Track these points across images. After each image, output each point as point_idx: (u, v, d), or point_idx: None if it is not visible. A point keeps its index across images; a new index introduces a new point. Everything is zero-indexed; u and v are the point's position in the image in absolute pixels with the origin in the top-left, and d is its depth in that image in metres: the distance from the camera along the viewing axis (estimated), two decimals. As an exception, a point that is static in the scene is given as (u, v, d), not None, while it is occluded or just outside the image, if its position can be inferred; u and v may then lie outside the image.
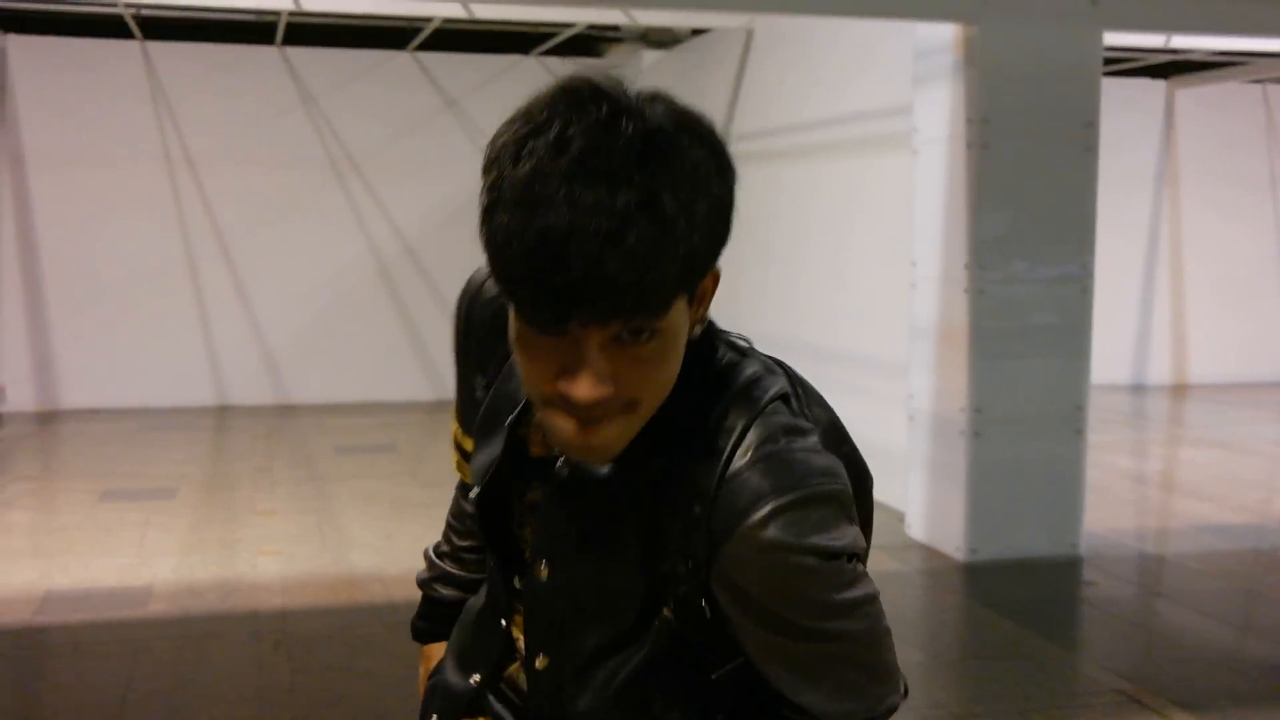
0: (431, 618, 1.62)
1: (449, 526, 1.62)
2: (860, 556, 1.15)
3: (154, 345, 9.53)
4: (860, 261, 6.80)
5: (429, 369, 10.05)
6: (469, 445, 1.38)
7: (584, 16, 8.18)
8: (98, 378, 9.45)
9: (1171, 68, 10.57)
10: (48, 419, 9.11)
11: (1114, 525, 6.13)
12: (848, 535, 1.12)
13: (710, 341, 1.19)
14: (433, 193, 10.01)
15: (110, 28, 9.03)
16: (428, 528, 5.98)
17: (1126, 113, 10.31)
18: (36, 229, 9.35)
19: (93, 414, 9.25)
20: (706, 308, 1.14)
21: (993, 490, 5.45)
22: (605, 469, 1.17)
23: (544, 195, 0.96)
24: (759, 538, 1.07)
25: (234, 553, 5.59)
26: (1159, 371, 11.09)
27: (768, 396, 1.15)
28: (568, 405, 1.05)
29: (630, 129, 0.99)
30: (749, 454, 1.11)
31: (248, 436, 8.52)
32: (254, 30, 9.27)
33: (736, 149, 7.92)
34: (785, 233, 7.71)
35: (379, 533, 5.92)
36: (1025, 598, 5.03)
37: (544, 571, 1.24)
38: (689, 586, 1.15)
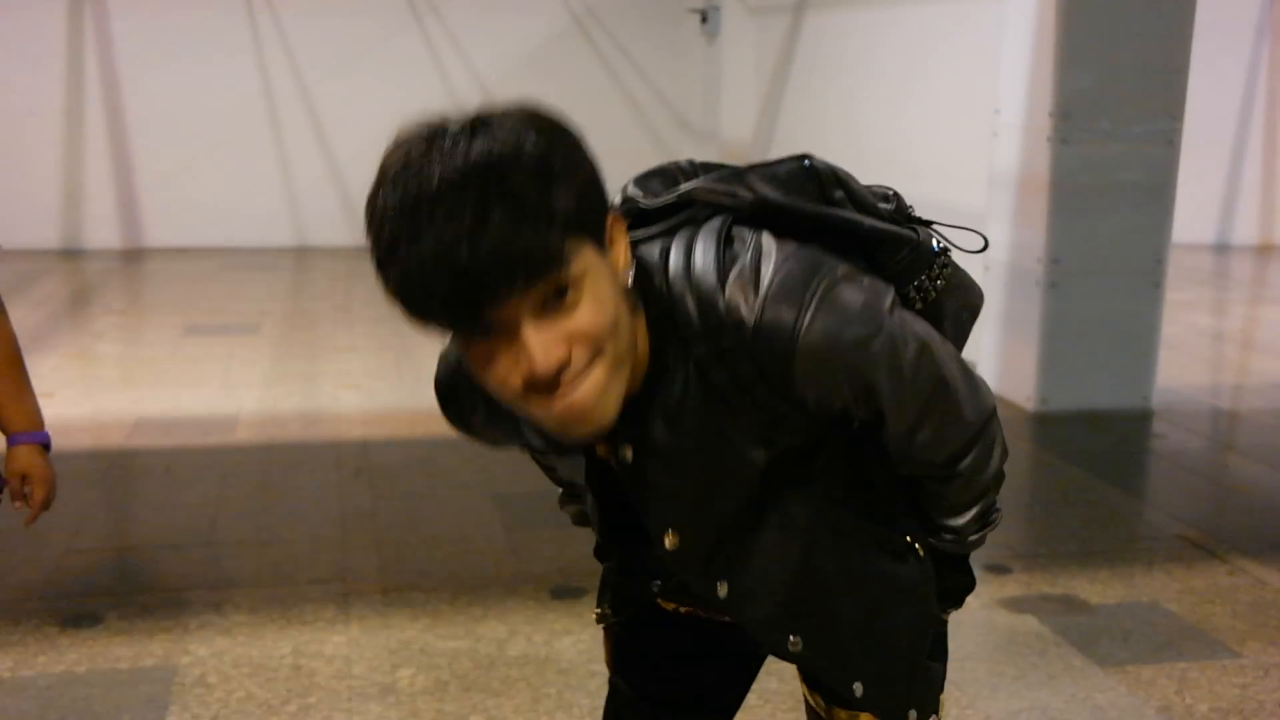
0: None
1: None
2: (892, 297, 1.25)
3: (235, 185, 9.65)
4: (938, 108, 6.68)
5: (504, 214, 10.09)
6: None
7: None
8: (180, 217, 9.61)
9: (1280, -88, 10.09)
10: (132, 256, 9.31)
11: (1188, 380, 6.09)
12: (864, 292, 1.21)
13: (648, 275, 1.25)
14: (510, 34, 9.93)
15: None
16: (503, 367, 6.10)
17: (1229, -41, 9.88)
18: (118, 69, 9.43)
19: (176, 252, 9.44)
20: (624, 250, 1.19)
21: (1066, 341, 5.43)
22: (658, 436, 1.26)
23: (409, 237, 1.06)
24: (816, 349, 1.18)
25: (315, 386, 5.76)
26: (1245, 231, 10.82)
27: (701, 251, 1.23)
28: (539, 386, 1.11)
29: (458, 150, 1.07)
30: (756, 305, 1.19)
31: (327, 276, 8.67)
32: None
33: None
34: (864, 78, 7.57)
35: (455, 370, 6.05)
36: (1094, 448, 5.05)
37: (672, 540, 1.33)
38: (790, 416, 1.27)
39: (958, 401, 1.31)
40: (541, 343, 1.09)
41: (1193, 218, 9.39)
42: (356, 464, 4.67)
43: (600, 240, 1.14)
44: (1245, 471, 4.87)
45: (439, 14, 9.81)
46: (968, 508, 1.43)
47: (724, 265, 1.20)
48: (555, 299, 1.09)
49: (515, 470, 4.58)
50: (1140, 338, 5.50)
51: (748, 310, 1.17)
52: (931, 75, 6.75)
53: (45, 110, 9.35)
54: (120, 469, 4.70)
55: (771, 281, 1.18)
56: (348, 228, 9.85)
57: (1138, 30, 5.31)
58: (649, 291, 1.23)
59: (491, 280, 1.04)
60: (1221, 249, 10.56)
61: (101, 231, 9.52)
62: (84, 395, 5.51)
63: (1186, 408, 5.63)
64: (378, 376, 5.93)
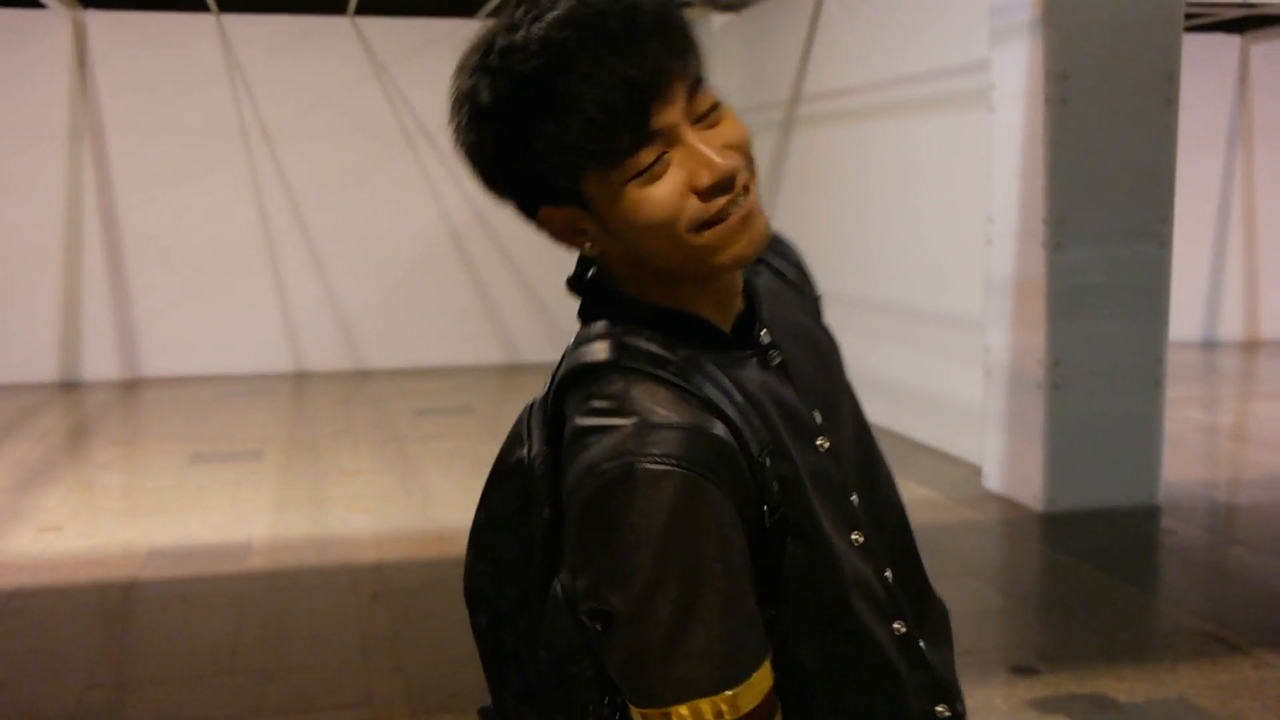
0: None
1: None
2: None
3: (232, 314, 9.74)
4: (934, 218, 6.82)
5: (500, 333, 10.19)
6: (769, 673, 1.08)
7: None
8: (178, 346, 9.68)
9: (1247, 22, 10.43)
10: (131, 387, 9.35)
11: (1190, 476, 6.14)
12: None
13: None
14: (501, 159, 10.10)
15: (186, 2, 9.20)
16: (511, 485, 6.11)
17: (1201, 68, 10.19)
18: (117, 202, 9.58)
19: (174, 381, 9.48)
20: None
21: (1071, 441, 5.49)
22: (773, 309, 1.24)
23: (560, 34, 1.03)
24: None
25: (325, 510, 5.76)
26: (1230, 327, 11.00)
27: None
28: (718, 194, 1.06)
29: None
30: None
31: (327, 400, 8.71)
32: (325, 1, 9.40)
33: (808, 110, 7.97)
34: (855, 190, 7.74)
35: (464, 489, 6.06)
36: (1105, 546, 5.08)
37: (824, 441, 1.20)
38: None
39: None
40: (711, 147, 1.07)
41: (1179, 315, 9.53)
42: (373, 587, 4.66)
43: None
44: (1257, 564, 4.90)
45: (431, 139, 10.01)
46: None
47: None
48: (706, 113, 1.08)
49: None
50: (1143, 436, 5.57)
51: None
52: (924, 185, 6.91)
53: (44, 244, 9.47)
54: (135, 600, 4.68)
55: None
56: (344, 352, 9.94)
57: (1125, 136, 5.47)
58: None
59: (648, 80, 1.03)
60: (1209, 345, 10.71)
61: (100, 363, 9.57)
62: (93, 527, 5.50)
63: (1192, 503, 5.67)
64: (386, 498, 5.94)
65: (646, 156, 1.05)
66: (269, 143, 9.80)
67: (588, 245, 1.12)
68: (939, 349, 6.74)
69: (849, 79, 7.85)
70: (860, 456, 1.24)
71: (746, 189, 1.09)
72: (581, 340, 1.15)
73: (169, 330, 9.66)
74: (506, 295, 10.18)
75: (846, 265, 7.83)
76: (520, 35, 1.05)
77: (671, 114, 1.05)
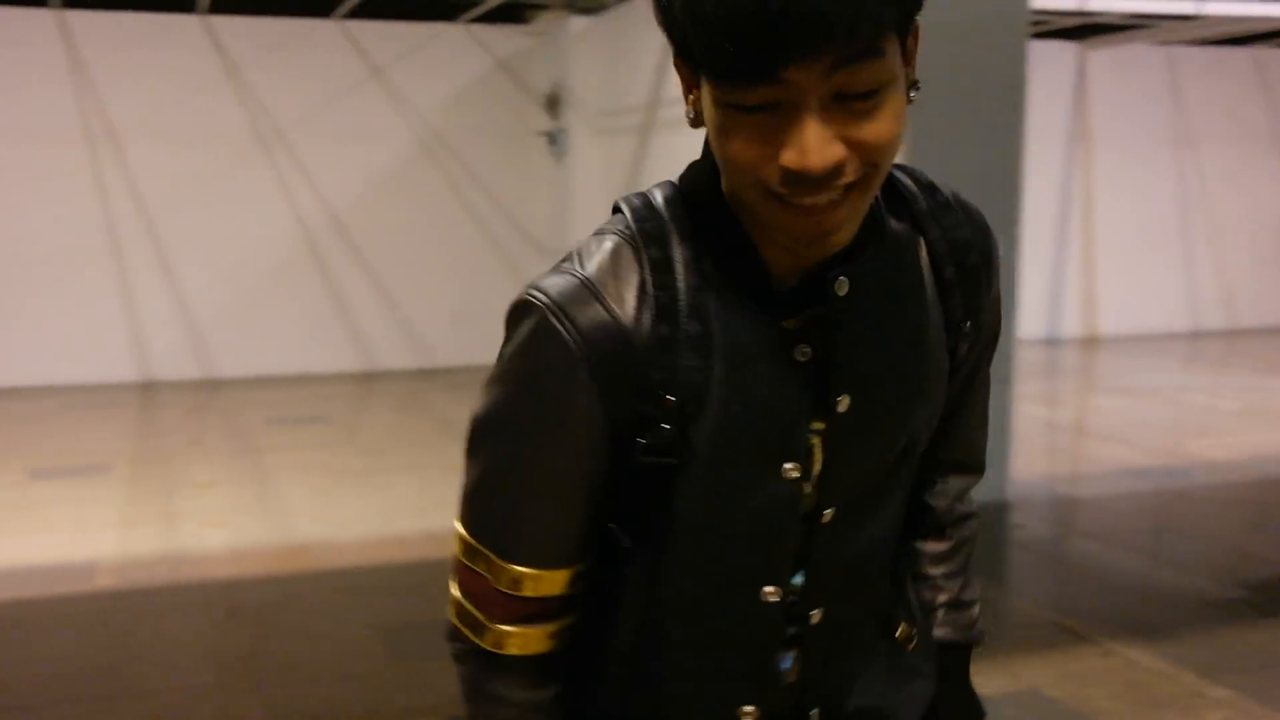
0: None
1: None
2: None
3: (76, 322, 9.38)
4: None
5: (357, 340, 10.01)
6: (565, 580, 1.13)
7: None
8: (18, 355, 9.28)
9: (1084, 30, 10.83)
10: (-33, 399, 8.94)
11: (1036, 471, 6.34)
12: None
13: None
14: (359, 162, 9.96)
15: (20, -2, 8.84)
16: (371, 495, 6.03)
17: (1041, 73, 10.53)
18: (-50, 205, 9.15)
19: (11, 392, 9.09)
20: (914, 69, 1.02)
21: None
22: (872, 264, 1.09)
23: None
24: (996, 246, 1.22)
25: (177, 525, 5.58)
26: (1071, 325, 11.41)
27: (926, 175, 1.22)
28: (793, 184, 0.95)
29: None
30: (954, 192, 1.21)
31: (177, 411, 8.45)
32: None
33: (665, 114, 7.98)
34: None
35: (322, 502, 5.94)
36: (959, 543, 5.20)
37: (844, 404, 1.09)
38: (969, 343, 1.21)
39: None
40: (821, 137, 0.92)
41: (1022, 315, 9.86)
42: (228, 605, 4.53)
43: (905, 47, 0.99)
44: (1101, 555, 5.08)
45: (286, 143, 9.80)
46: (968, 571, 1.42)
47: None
48: (854, 97, 0.92)
49: (396, 600, 4.52)
50: (993, 433, 5.70)
51: (969, 205, 1.22)
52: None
53: None
54: (-28, 625, 4.47)
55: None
56: (194, 360, 9.66)
57: (973, 141, 5.62)
58: None
59: (812, 31, 0.87)
60: (1052, 342, 11.09)
61: (-68, 375, 9.13)
62: (-74, 549, 5.24)
63: (1040, 497, 5.86)
64: (242, 512, 5.78)
65: (753, 97, 0.92)
66: (116, 144, 9.45)
67: (689, 109, 1.03)
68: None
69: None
70: (867, 489, 1.15)
71: (847, 190, 0.97)
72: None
73: (6, 339, 9.26)
74: (363, 302, 10.00)
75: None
76: None
77: (804, 75, 0.90)
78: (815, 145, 0.92)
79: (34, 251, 9.26)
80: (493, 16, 9.82)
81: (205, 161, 9.60)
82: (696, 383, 1.03)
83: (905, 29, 0.97)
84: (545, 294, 1.04)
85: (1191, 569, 4.85)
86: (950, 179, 1.22)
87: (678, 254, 1.06)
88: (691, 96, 1.02)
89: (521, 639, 1.13)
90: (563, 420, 1.05)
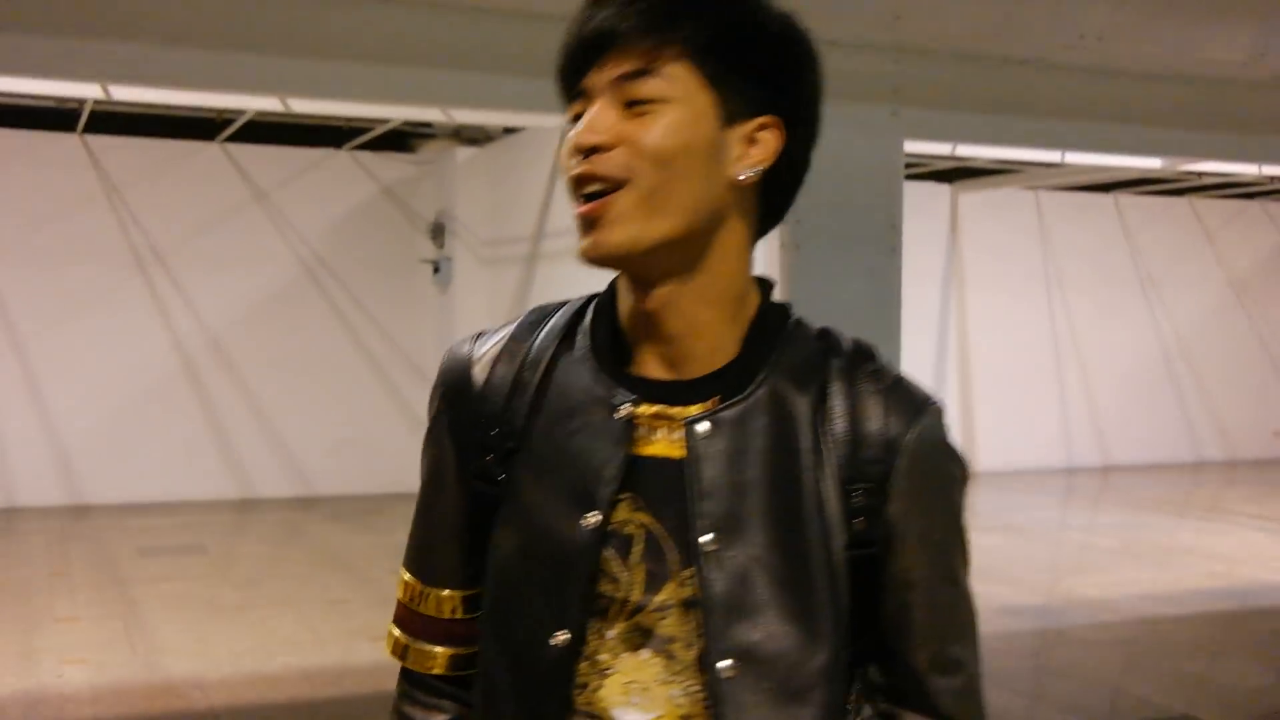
0: None
1: None
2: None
3: (-66, 445, 9.00)
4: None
5: (234, 466, 9.76)
6: (445, 602, 1.22)
7: (401, 113, 8.25)
8: None
9: (956, 173, 11.27)
10: None
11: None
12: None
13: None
14: (240, 286, 9.83)
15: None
16: (245, 630, 5.83)
17: (915, 215, 10.87)
18: None
19: None
20: (760, 158, 1.12)
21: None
22: (746, 407, 1.11)
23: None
24: (931, 436, 1.13)
25: (35, 663, 5.32)
26: (949, 459, 11.64)
27: (871, 347, 1.20)
28: (574, 156, 1.09)
29: None
30: (895, 374, 1.16)
31: (40, 539, 8.11)
32: (54, 116, 8.99)
33: (550, 246, 8.06)
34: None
35: (193, 637, 5.72)
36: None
37: (715, 544, 1.10)
38: (866, 517, 1.11)
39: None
40: (596, 119, 1.08)
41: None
42: (89, 749, 4.31)
43: (730, 106, 1.10)
44: (997, 702, 5.10)
45: (165, 264, 9.64)
46: None
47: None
48: (636, 102, 1.08)
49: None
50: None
51: (890, 369, 1.17)
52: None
53: None
54: None
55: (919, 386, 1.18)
56: (61, 486, 9.32)
57: (853, 280, 5.75)
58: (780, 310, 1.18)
59: (593, 39, 1.09)
60: (931, 476, 11.27)
61: None
62: None
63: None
64: (107, 648, 5.53)
65: (575, 108, 1.12)
66: (-17, 262, 9.20)
67: None
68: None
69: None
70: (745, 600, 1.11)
71: (602, 181, 1.08)
72: None
73: None
74: (241, 427, 9.78)
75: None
76: None
77: (597, 78, 1.10)
78: (587, 122, 1.09)
79: (-106, 371, 8.91)
80: (379, 144, 9.88)
81: (79, 280, 9.40)
82: (520, 424, 1.16)
83: (708, 68, 1.09)
84: (448, 351, 1.26)
85: (1071, 709, 4.91)
86: (829, 318, 1.22)
87: (557, 321, 1.20)
88: None
89: (418, 654, 1.23)
90: (433, 439, 1.22)
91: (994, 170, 10.91)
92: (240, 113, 8.54)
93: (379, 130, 9.24)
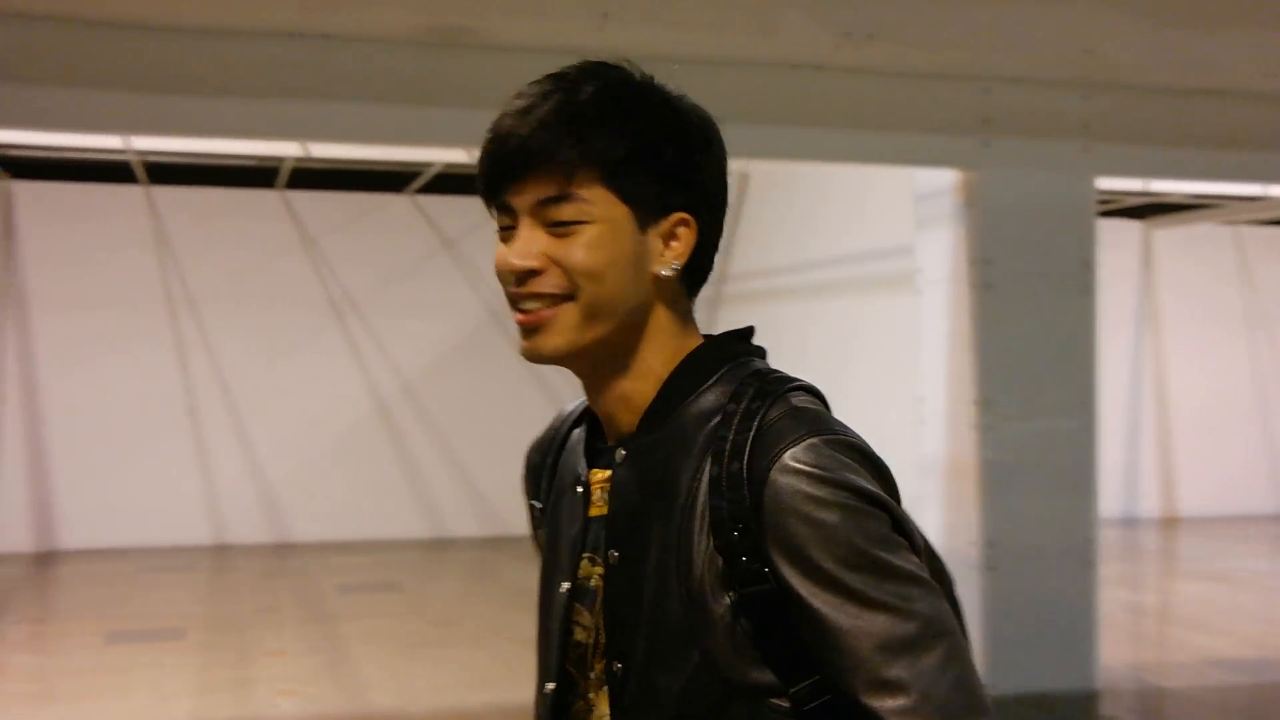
0: None
1: None
2: (904, 527, 1.16)
3: (152, 485, 9.53)
4: (860, 399, 6.95)
5: (427, 507, 10.07)
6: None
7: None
8: (95, 518, 9.42)
9: (1149, 209, 10.94)
10: (45, 560, 9.05)
11: (1124, 658, 6.18)
12: (879, 490, 1.15)
13: (735, 345, 1.30)
14: (430, 331, 10.17)
15: (115, 173, 9.23)
16: (441, 666, 5.99)
17: (1106, 253, 10.58)
18: (39, 370, 9.42)
19: (90, 554, 9.19)
20: (678, 253, 1.23)
21: (1007, 624, 5.50)
22: (645, 446, 1.23)
23: (501, 117, 1.22)
24: (791, 468, 1.12)
25: (251, 693, 5.57)
26: (1148, 504, 11.23)
27: (794, 383, 1.24)
28: (505, 282, 1.22)
29: (590, 88, 1.20)
30: (781, 412, 1.18)
31: (249, 576, 8.49)
32: (256, 175, 9.49)
33: (731, 289, 8.10)
34: (781, 367, 7.85)
35: (394, 672, 5.91)
36: (1046, 731, 5.06)
37: (614, 558, 1.23)
38: (749, 556, 1.14)
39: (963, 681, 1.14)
40: (525, 241, 1.19)
41: (1101, 493, 9.74)
42: (304, 778, 4.49)
43: (644, 213, 1.21)
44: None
45: (360, 312, 10.04)
46: None
47: (812, 404, 1.23)
48: (559, 224, 1.18)
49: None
50: (1079, 617, 5.60)
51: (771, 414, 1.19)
52: (854, 365, 7.05)
53: (-42, 413, 9.25)
54: (49, 793, 4.46)
55: (822, 415, 1.20)
56: (267, 524, 9.75)
57: (1046, 320, 5.66)
58: (716, 351, 1.27)
59: (515, 162, 1.18)
60: (1129, 522, 10.89)
61: (12, 535, 9.26)
62: (4, 713, 5.25)
63: (1130, 686, 5.70)
64: (314, 681, 5.76)
65: (501, 219, 1.23)
66: (195, 312, 9.75)
67: None
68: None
69: (773, 259, 8.06)
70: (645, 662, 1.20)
71: (544, 301, 1.20)
72: None
73: (86, 501, 9.41)
74: (433, 468, 10.09)
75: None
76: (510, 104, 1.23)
77: (519, 200, 1.20)
78: (517, 249, 1.20)
79: (115, 415, 9.48)
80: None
81: (280, 329, 9.86)
82: (541, 499, 1.40)
83: (621, 185, 1.19)
84: None
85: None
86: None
87: (576, 408, 1.39)
88: None
89: None
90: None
91: (1189, 205, 10.54)
92: (428, 165, 8.86)
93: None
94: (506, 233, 1.22)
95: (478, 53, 4.84)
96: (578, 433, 1.36)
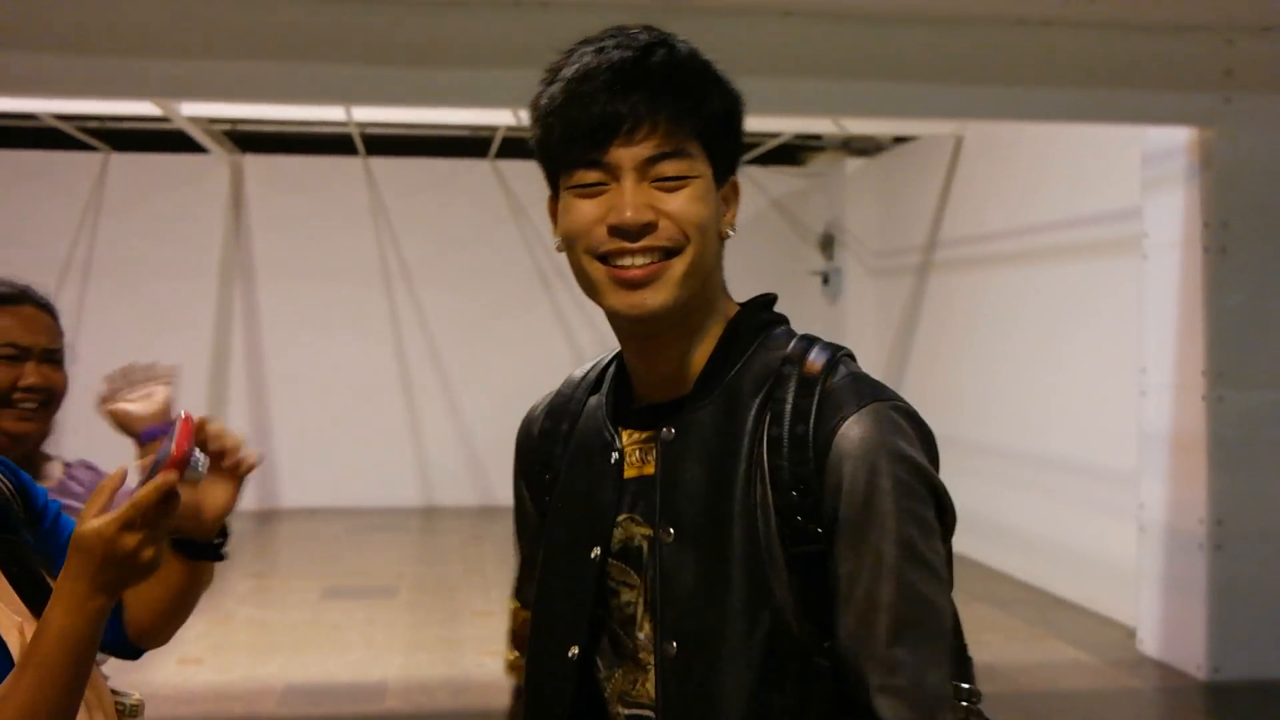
0: None
1: None
2: (943, 501, 1.21)
3: (366, 448, 9.88)
4: (1080, 367, 6.65)
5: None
6: (517, 615, 1.48)
7: (793, 126, 8.31)
8: (312, 478, 9.82)
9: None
10: (266, 517, 9.48)
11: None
12: (928, 463, 1.20)
13: (767, 313, 1.35)
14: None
15: (335, 145, 9.56)
16: (646, 632, 6.00)
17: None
18: (263, 337, 9.87)
19: (307, 513, 9.59)
20: (733, 216, 1.30)
21: (1237, 606, 5.20)
22: (702, 412, 1.25)
23: (581, 66, 1.21)
24: (855, 436, 1.17)
25: (459, 652, 5.70)
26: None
27: (844, 350, 1.29)
28: (616, 237, 1.20)
29: (683, 49, 1.24)
30: (842, 377, 1.23)
31: (457, 538, 8.72)
32: (468, 145, 9.68)
33: (943, 255, 7.85)
34: (994, 336, 7.60)
35: (597, 636, 5.96)
36: (1280, 722, 4.77)
37: (669, 536, 1.24)
38: (804, 516, 1.19)
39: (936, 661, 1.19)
40: (636, 199, 1.19)
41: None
42: (509, 736, 4.56)
43: (721, 172, 1.26)
44: None
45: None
46: None
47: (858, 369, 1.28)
48: (667, 179, 1.20)
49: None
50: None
51: (831, 379, 1.23)
52: (1072, 335, 6.75)
53: (190, 377, 9.74)
54: (271, 740, 4.65)
55: (879, 385, 1.24)
56: (473, 487, 9.99)
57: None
58: (759, 315, 1.33)
59: (615, 117, 1.18)
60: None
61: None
62: (231, 661, 5.52)
63: (1372, 677, 5.31)
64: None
65: (587, 175, 1.21)
66: (409, 282, 10.04)
67: (555, 232, 1.29)
68: (1085, 502, 6.50)
69: (987, 225, 7.78)
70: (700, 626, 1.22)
71: (657, 254, 1.21)
72: None
73: (305, 462, 9.82)
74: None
75: (979, 411, 7.66)
76: (565, 68, 1.23)
77: (622, 156, 1.20)
78: (631, 203, 1.19)
79: (333, 382, 9.85)
80: (769, 158, 9.99)
81: (490, 297, 10.07)
82: (553, 465, 1.38)
83: (712, 148, 1.24)
84: None
85: None
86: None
87: (588, 375, 1.41)
88: (554, 214, 1.29)
89: (518, 669, 1.44)
90: (514, 485, 1.47)
91: None
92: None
93: (770, 145, 9.34)
94: (592, 189, 1.22)
95: (700, 16, 4.76)
96: (595, 399, 1.37)
